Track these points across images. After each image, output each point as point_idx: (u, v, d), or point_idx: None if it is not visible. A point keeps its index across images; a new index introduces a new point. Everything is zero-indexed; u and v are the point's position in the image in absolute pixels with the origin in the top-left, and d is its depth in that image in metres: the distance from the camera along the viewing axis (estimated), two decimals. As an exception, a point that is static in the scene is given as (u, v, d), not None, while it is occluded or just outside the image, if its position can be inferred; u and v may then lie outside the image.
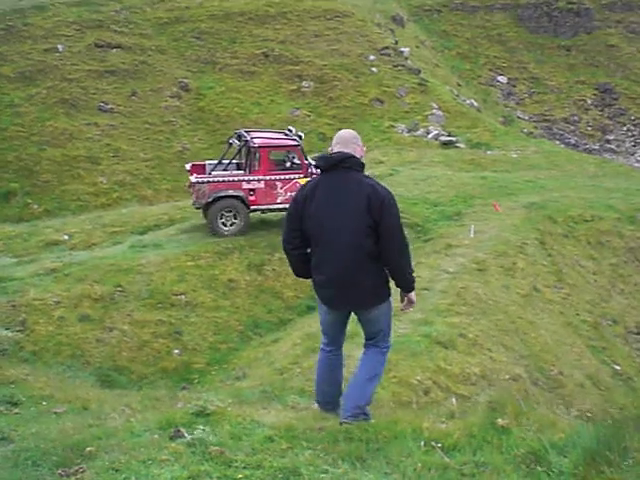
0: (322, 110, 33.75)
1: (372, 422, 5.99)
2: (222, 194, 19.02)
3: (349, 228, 5.84)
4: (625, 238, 21.86)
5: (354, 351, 7.65)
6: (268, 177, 19.10)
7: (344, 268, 5.90)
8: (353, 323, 6.46)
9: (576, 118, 43.47)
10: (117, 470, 5.12)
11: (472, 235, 19.40)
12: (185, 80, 34.37)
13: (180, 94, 33.78)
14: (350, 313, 6.26)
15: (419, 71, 36.45)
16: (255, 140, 19.23)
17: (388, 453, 5.41)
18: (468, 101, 38.01)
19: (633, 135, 42.83)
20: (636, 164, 40.19)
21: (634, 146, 42.23)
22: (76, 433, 6.00)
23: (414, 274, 6.34)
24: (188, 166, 20.49)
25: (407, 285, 6.25)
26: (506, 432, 5.62)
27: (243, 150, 19.72)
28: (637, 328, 18.91)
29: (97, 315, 15.80)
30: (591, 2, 48.54)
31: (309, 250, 6.14)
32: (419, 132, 32.12)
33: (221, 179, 19.14)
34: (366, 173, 6.15)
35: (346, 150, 5.99)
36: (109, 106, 32.20)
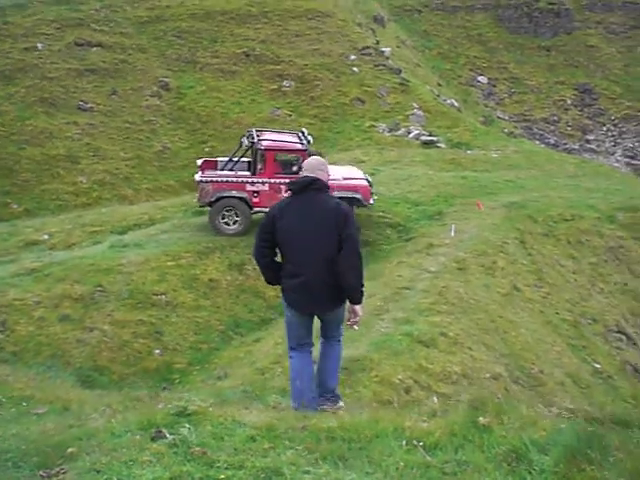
0: (303, 110, 33.74)
1: (354, 421, 6.00)
2: (226, 194, 18.96)
3: (320, 241, 6.74)
4: (605, 237, 22.01)
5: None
6: (273, 180, 19.01)
7: (316, 276, 6.76)
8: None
9: (556, 118, 43.70)
10: (98, 471, 5.10)
11: (453, 234, 19.46)
12: (166, 79, 34.25)
13: (160, 93, 33.65)
14: (313, 316, 7.05)
15: (400, 71, 36.50)
16: (263, 142, 19.14)
17: (370, 452, 5.41)
18: (449, 101, 38.12)
19: (613, 135, 43.11)
20: (616, 164, 40.47)
21: (614, 146, 42.51)
22: (57, 434, 5.97)
23: (364, 289, 7.00)
24: (199, 162, 20.37)
25: (356, 295, 6.92)
26: (487, 430, 5.63)
27: (252, 150, 19.63)
28: (617, 327, 19.05)
29: (77, 315, 15.73)
30: (571, 3, 48.81)
31: (277, 259, 7.00)
32: (400, 132, 32.18)
33: (225, 179, 19.05)
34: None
35: (314, 175, 6.90)
36: (89, 105, 32.02)
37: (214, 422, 5.94)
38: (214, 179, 19.00)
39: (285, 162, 19.45)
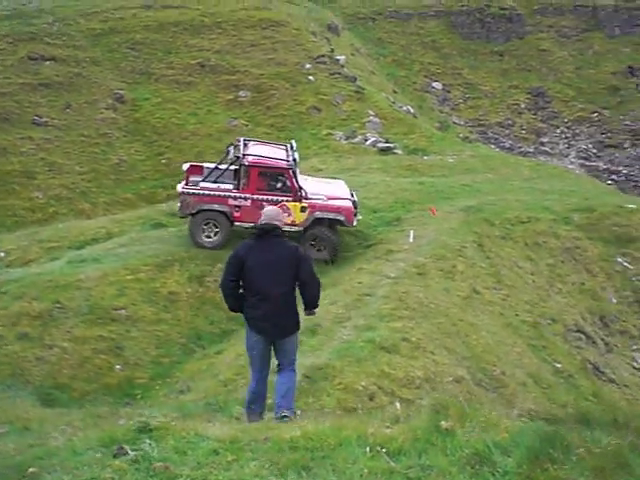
0: (260, 119, 33.68)
1: (317, 430, 5.99)
2: (207, 207, 18.77)
3: (279, 279, 8.11)
4: (561, 238, 22.26)
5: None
6: (255, 196, 18.82)
7: (277, 307, 8.13)
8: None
9: (510, 122, 44.18)
10: (60, 490, 5.03)
11: (412, 240, 19.55)
12: (120, 91, 33.99)
13: (116, 106, 33.38)
14: (272, 342, 8.34)
15: (355, 79, 36.63)
16: (248, 157, 18.93)
17: (334, 460, 5.41)
18: (404, 107, 38.32)
19: (566, 137, 43.70)
20: (570, 165, 41.03)
21: (568, 148, 43.09)
22: (18, 454, 5.90)
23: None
24: (186, 166, 20.06)
25: (316, 306, 8.54)
26: (450, 434, 5.66)
27: (237, 162, 19.32)
28: (576, 326, 19.27)
29: (36, 333, 15.51)
30: (523, 7, 49.40)
31: (241, 291, 8.26)
32: (357, 139, 32.26)
33: (208, 192, 18.84)
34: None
35: (274, 223, 8.25)
36: (43, 119, 31.65)
37: (176, 436, 5.89)
38: (197, 192, 18.79)
39: (271, 176, 19.13)
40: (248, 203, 18.81)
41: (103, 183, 29.71)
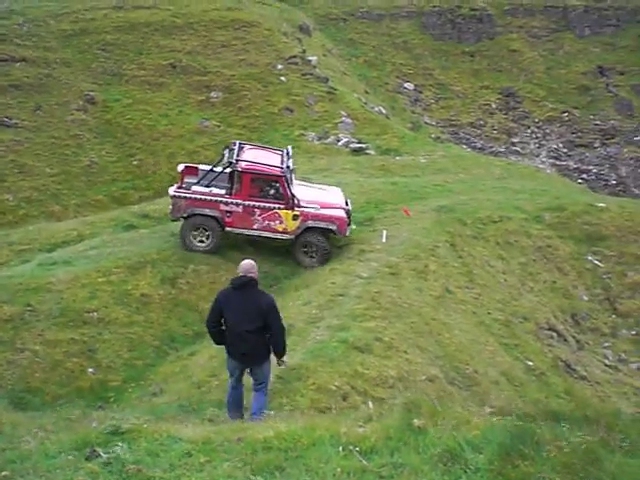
0: (232, 120, 33.60)
1: (290, 430, 6.00)
2: (198, 212, 18.65)
3: (251, 323, 9.71)
4: (533, 237, 22.44)
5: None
6: (247, 203, 18.73)
7: (248, 345, 9.84)
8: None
9: (482, 122, 44.44)
10: (31, 494, 5.00)
11: (384, 240, 19.60)
12: (91, 93, 33.74)
13: (86, 107, 33.13)
14: (248, 367, 10.16)
15: (327, 79, 36.66)
16: (241, 163, 18.78)
17: (307, 460, 5.43)
18: (376, 108, 38.42)
19: (537, 137, 44.03)
20: (541, 165, 41.36)
21: (538, 147, 43.42)
22: (-12, 458, 5.84)
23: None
24: (181, 167, 19.83)
25: (283, 353, 10.10)
26: (422, 432, 5.70)
27: (230, 167, 19.10)
28: (547, 324, 19.43)
29: (7, 336, 15.37)
30: (493, 8, 49.67)
31: (224, 328, 9.98)
32: (329, 140, 32.30)
33: (200, 197, 18.69)
34: None
35: (248, 275, 9.80)
36: (13, 121, 31.35)
37: (149, 439, 5.88)
38: (188, 195, 18.65)
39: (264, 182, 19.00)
40: (240, 209, 18.72)
41: (74, 185, 29.46)
